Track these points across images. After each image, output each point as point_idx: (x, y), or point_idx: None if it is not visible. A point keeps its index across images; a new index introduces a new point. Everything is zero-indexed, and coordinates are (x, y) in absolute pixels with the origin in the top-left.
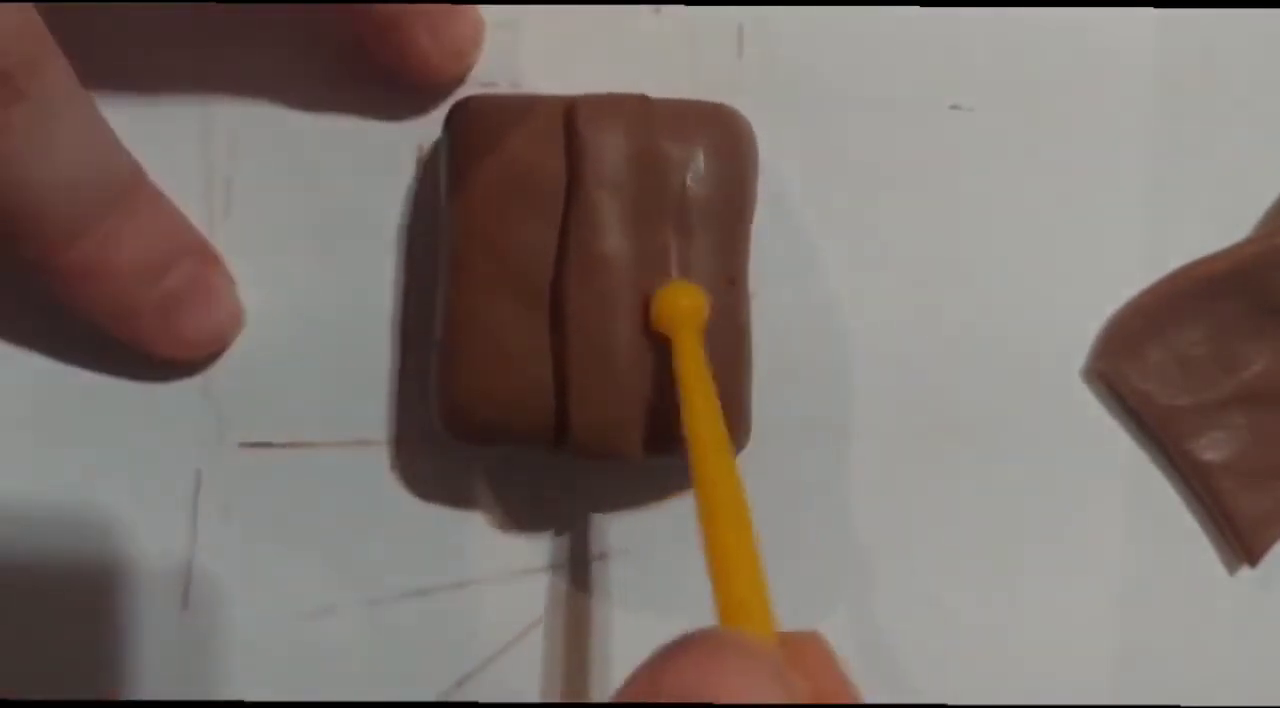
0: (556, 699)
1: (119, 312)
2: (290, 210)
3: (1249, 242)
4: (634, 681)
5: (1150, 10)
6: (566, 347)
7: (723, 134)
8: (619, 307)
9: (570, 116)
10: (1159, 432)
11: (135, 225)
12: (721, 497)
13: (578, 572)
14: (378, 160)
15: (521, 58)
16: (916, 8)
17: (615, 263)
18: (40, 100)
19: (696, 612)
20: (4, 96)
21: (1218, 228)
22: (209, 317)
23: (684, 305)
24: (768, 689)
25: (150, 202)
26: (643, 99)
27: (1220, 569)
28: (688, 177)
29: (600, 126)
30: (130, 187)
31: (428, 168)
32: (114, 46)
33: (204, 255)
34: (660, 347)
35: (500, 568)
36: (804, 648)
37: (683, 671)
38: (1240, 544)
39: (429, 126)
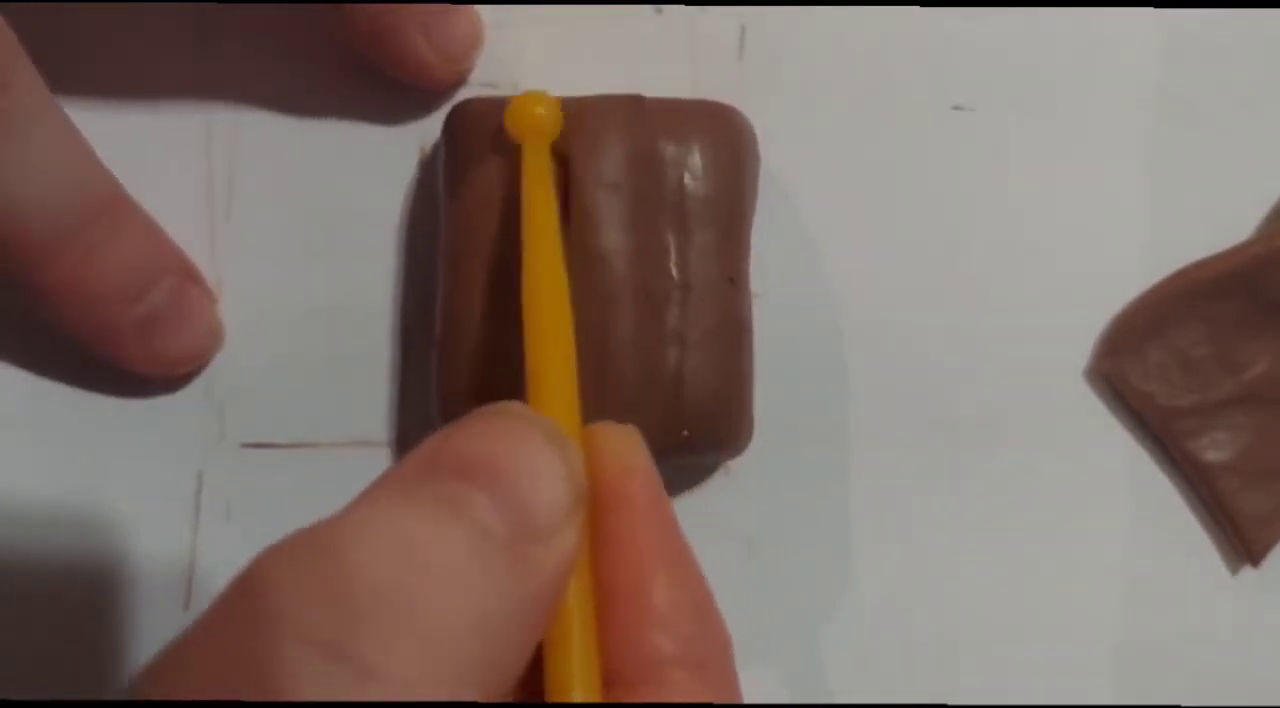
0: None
1: (99, 331)
2: (291, 211)
3: (1250, 243)
4: (416, 452)
5: (1150, 10)
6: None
7: (722, 133)
8: (619, 305)
9: (564, 118)
10: (1161, 432)
11: (114, 245)
12: (546, 289)
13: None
14: (378, 161)
15: (522, 60)
16: (917, 8)
17: (615, 262)
18: (8, 116)
19: None
20: None
21: (1219, 229)
22: (189, 335)
23: (538, 114)
24: (543, 456)
25: (129, 219)
26: (636, 99)
27: (1222, 569)
28: (685, 175)
29: (594, 128)
30: (108, 204)
31: (428, 169)
32: (114, 47)
33: (184, 273)
34: (662, 345)
35: None
36: (602, 436)
37: (460, 440)
38: (1242, 544)
39: (429, 127)
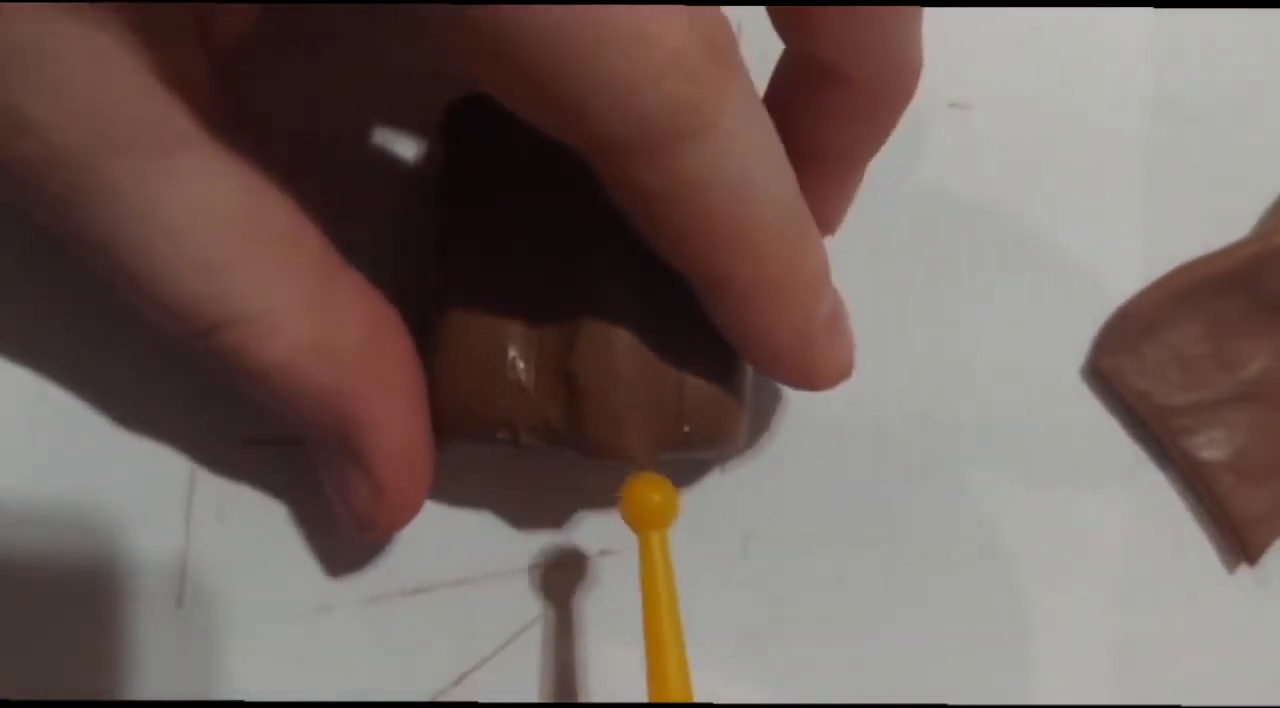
0: (555, 699)
1: None
2: None
3: (1248, 241)
4: None
5: (1149, 10)
6: (572, 343)
7: None
8: (621, 300)
9: None
10: (1157, 430)
11: None
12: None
13: (577, 570)
14: (375, 159)
15: None
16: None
17: (616, 255)
18: None
19: (694, 609)
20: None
21: (1217, 227)
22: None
23: (655, 501)
24: None
25: None
26: None
27: (1219, 568)
28: None
29: None
30: None
31: (426, 167)
32: None
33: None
34: (663, 340)
35: (499, 566)
36: None
37: None
38: (1239, 543)
39: (426, 125)
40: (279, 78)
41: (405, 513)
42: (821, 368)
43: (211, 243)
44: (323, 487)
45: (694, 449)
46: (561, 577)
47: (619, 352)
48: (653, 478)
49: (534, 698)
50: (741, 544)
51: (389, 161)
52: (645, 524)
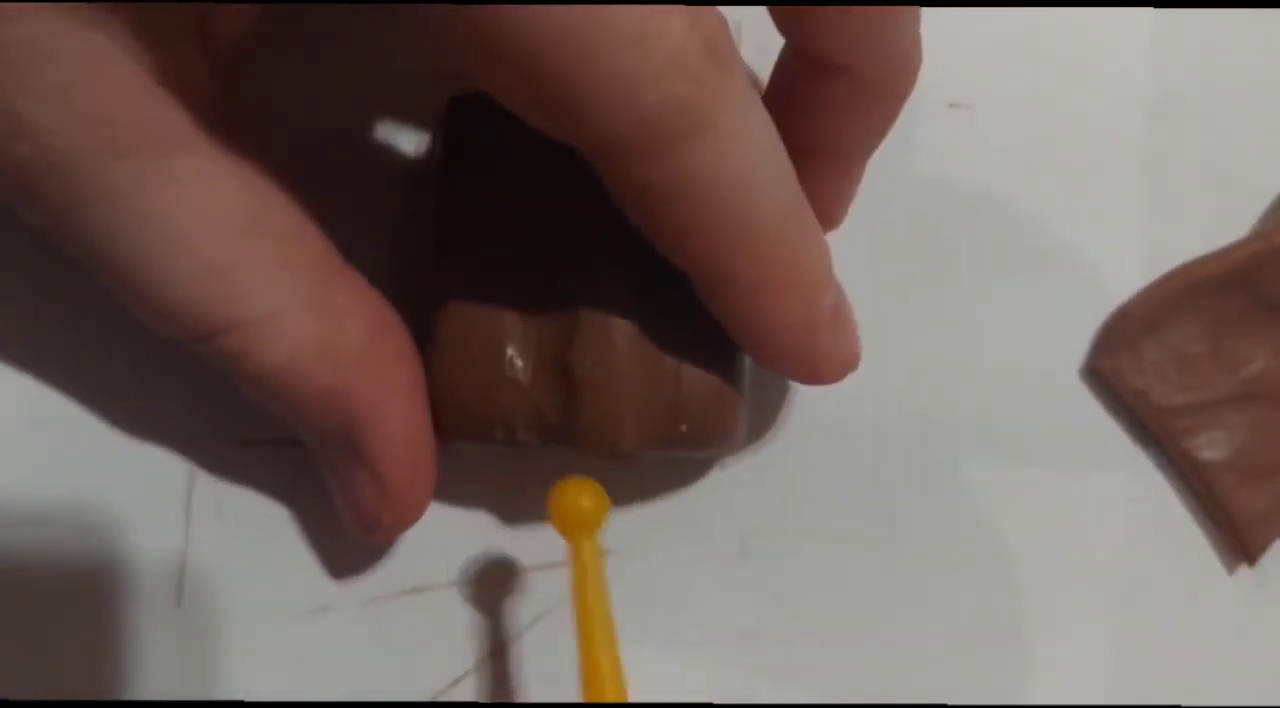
0: (554, 699)
1: None
2: None
3: (1248, 240)
4: None
5: (1149, 10)
6: (571, 338)
7: None
8: (621, 299)
9: None
10: (1157, 430)
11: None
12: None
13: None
14: (375, 159)
15: None
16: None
17: (614, 253)
18: None
19: (694, 609)
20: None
21: (1216, 227)
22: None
23: (585, 506)
24: None
25: None
26: None
27: (1218, 568)
28: None
29: None
30: None
31: (426, 166)
32: None
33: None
34: (661, 338)
35: (499, 566)
36: None
37: None
38: (1239, 543)
39: (426, 124)
40: (279, 78)
41: (411, 512)
42: (827, 362)
43: (211, 245)
44: (327, 489)
45: (692, 447)
46: (561, 577)
47: (618, 346)
48: (582, 482)
49: (534, 698)
50: (741, 544)
51: (389, 161)
52: (576, 530)
